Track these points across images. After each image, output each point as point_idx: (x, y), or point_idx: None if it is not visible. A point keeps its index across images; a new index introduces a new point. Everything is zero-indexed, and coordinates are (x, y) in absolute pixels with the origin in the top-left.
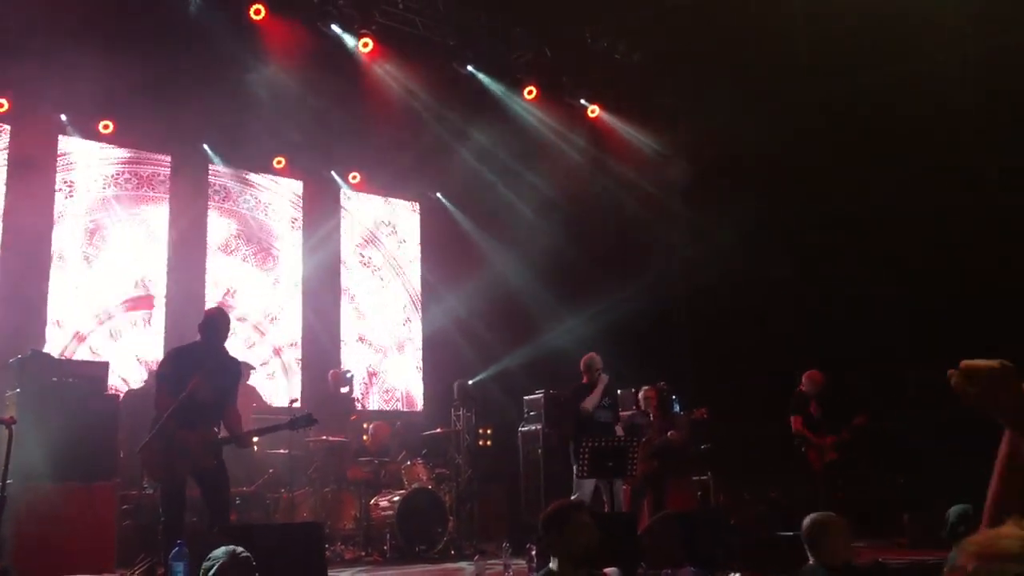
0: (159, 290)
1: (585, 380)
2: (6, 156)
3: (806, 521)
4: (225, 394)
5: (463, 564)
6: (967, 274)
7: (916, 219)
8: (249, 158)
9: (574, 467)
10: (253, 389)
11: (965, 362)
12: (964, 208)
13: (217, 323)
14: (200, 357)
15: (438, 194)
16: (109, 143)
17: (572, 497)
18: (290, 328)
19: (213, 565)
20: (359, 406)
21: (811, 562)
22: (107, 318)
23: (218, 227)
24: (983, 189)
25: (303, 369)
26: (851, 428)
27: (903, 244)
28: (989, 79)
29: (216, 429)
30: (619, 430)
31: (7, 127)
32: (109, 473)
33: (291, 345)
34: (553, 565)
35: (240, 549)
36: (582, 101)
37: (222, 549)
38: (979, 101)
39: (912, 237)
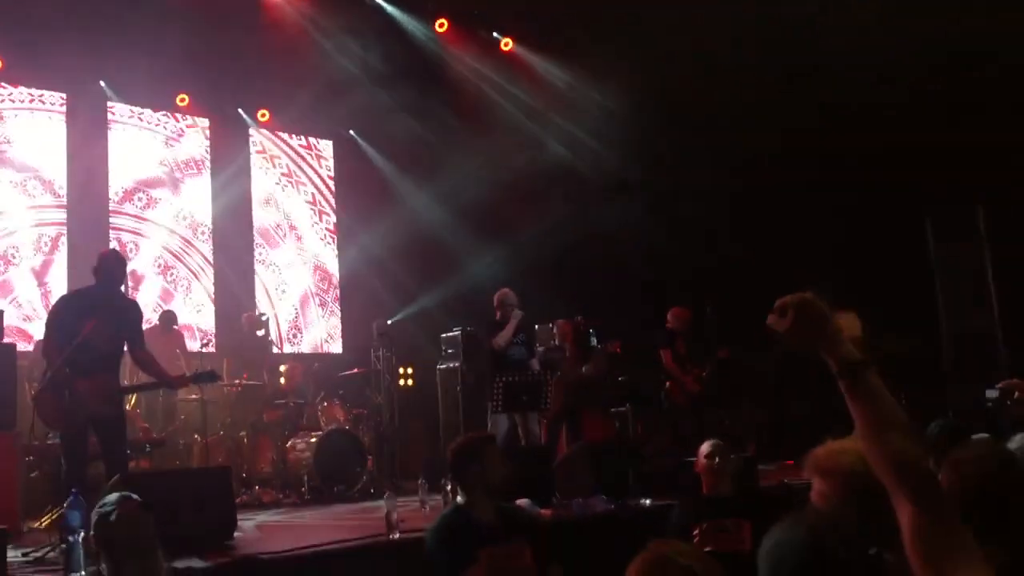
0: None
1: (498, 316)
2: None
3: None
4: (123, 340)
5: (380, 502)
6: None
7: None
8: (151, 96)
9: (488, 404)
10: (180, 334)
11: (778, 300)
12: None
13: (112, 266)
14: (94, 302)
15: (351, 131)
16: None
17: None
18: (205, 271)
19: (110, 511)
20: (276, 349)
21: None
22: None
23: (119, 169)
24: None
25: (216, 312)
26: (713, 362)
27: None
28: None
29: (116, 377)
30: (534, 365)
31: None
32: (8, 424)
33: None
34: (460, 499)
35: (134, 495)
36: (495, 34)
37: (115, 495)
38: None
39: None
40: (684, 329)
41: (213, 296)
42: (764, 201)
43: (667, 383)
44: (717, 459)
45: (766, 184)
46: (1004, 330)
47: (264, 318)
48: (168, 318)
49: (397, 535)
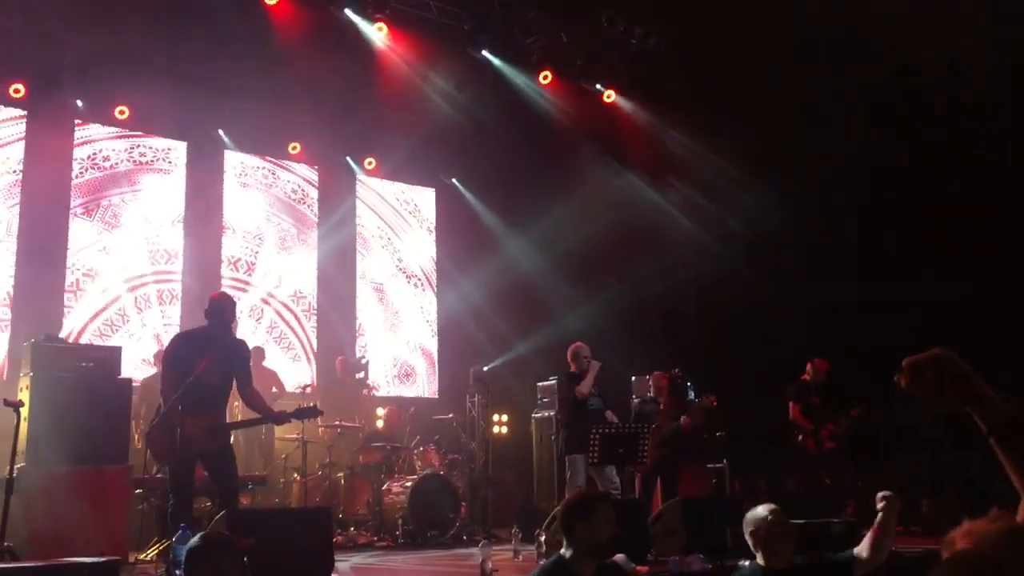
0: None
1: (574, 369)
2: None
3: (746, 518)
4: (232, 378)
5: (473, 550)
6: (972, 264)
7: (922, 211)
8: (264, 144)
9: (565, 454)
10: (273, 373)
11: (907, 359)
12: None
13: (223, 307)
14: (206, 341)
15: (453, 180)
16: (124, 127)
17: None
18: (309, 315)
19: (196, 548)
20: (373, 392)
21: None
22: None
23: (234, 208)
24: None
25: (318, 354)
26: (848, 418)
27: (905, 236)
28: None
29: (223, 413)
30: (610, 416)
31: (23, 112)
32: (121, 457)
33: (311, 329)
34: (566, 552)
35: (218, 532)
36: (598, 86)
37: (200, 534)
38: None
39: (913, 230)
40: (822, 381)
41: (315, 343)
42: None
43: (800, 437)
44: (771, 528)
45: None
46: None
47: (364, 361)
48: (259, 354)
49: None
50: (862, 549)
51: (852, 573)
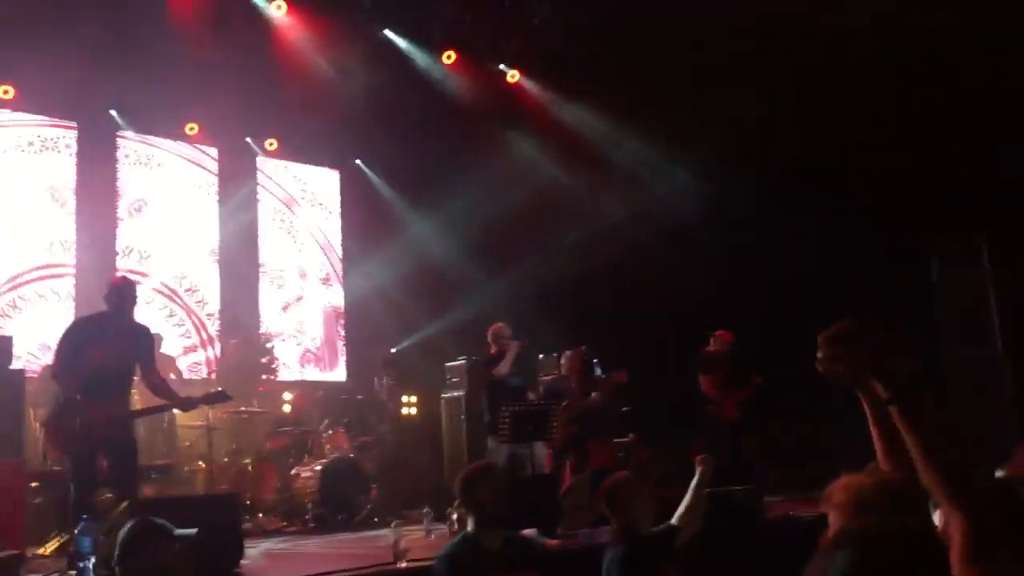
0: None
1: (494, 351)
2: None
3: (605, 485)
4: (134, 364)
5: (385, 531)
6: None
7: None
8: (159, 125)
9: (489, 433)
10: (171, 360)
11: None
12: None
13: (123, 291)
14: (105, 327)
15: (357, 161)
16: (9, 109)
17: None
18: (209, 299)
19: (130, 536)
20: (274, 377)
21: (614, 527)
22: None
23: (128, 192)
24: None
25: (221, 338)
26: (752, 387)
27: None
28: None
29: (126, 400)
30: (532, 395)
31: None
32: (16, 451)
33: (208, 316)
34: (470, 528)
35: (157, 520)
36: (502, 66)
37: (133, 520)
38: None
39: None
40: (728, 353)
41: (213, 329)
42: (759, 226)
43: (708, 408)
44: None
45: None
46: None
47: (269, 345)
48: (155, 341)
49: (404, 564)
50: (678, 517)
51: (674, 542)
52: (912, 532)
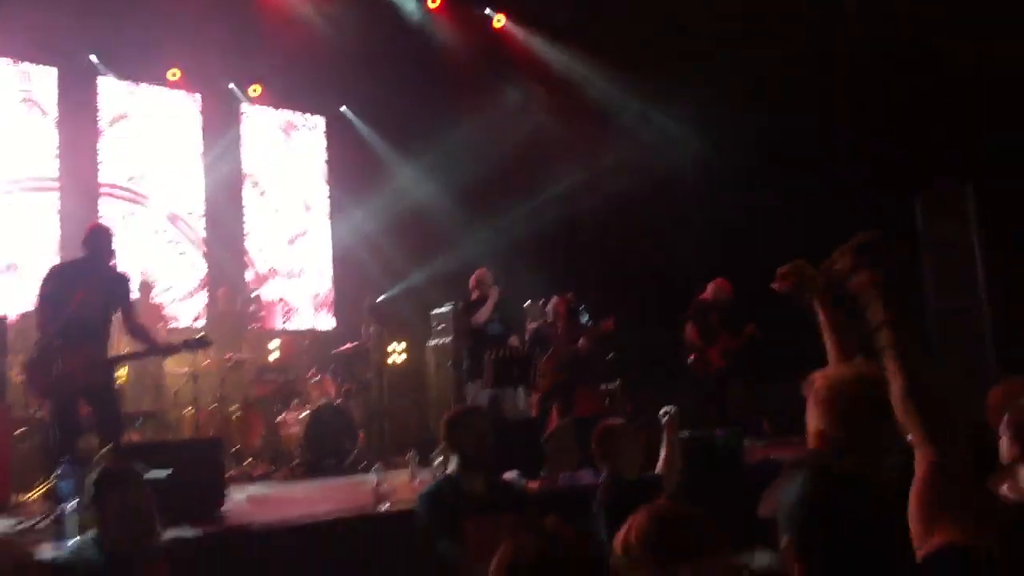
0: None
1: (475, 297)
2: None
3: (597, 430)
4: (112, 310)
5: (370, 476)
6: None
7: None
8: (141, 70)
9: (469, 379)
10: (160, 307)
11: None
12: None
13: (100, 238)
14: (83, 273)
15: (343, 107)
16: None
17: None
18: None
19: (108, 472)
20: (257, 325)
21: (604, 473)
22: None
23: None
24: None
25: (209, 287)
26: (742, 336)
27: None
28: None
29: (105, 346)
30: (513, 341)
31: None
32: None
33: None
34: (451, 470)
35: (124, 462)
36: (487, 11)
37: (112, 459)
38: None
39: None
40: (724, 301)
41: (204, 275)
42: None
43: (692, 356)
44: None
45: (756, 162)
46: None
47: (254, 295)
48: (147, 288)
49: (385, 507)
50: (660, 467)
51: (661, 491)
52: (862, 465)
